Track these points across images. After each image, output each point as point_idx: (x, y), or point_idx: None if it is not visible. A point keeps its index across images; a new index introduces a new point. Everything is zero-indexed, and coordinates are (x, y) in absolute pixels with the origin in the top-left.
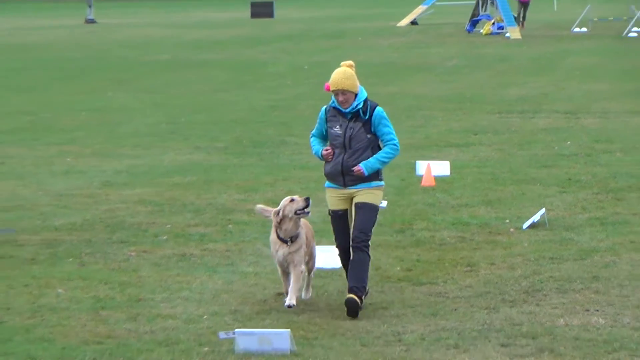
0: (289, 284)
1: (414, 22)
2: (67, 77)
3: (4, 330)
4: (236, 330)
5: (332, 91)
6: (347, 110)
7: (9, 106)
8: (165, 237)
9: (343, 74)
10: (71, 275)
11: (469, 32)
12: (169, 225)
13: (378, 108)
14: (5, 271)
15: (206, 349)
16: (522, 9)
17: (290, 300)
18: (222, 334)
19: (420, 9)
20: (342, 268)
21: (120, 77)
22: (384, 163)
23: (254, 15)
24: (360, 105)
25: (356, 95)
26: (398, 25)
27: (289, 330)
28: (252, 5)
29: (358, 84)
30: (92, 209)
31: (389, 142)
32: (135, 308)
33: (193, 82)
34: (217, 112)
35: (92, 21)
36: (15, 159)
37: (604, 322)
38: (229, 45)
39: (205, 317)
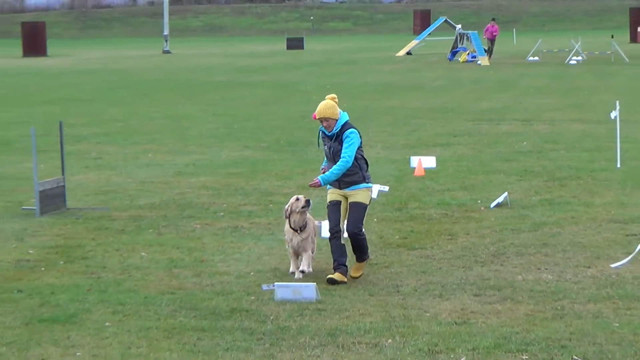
0: (299, 263)
1: (409, 53)
2: (148, 93)
3: (101, 283)
4: (275, 283)
5: (318, 119)
6: (330, 133)
7: (105, 115)
8: (222, 214)
9: (325, 105)
10: (151, 242)
11: (450, 60)
12: (225, 205)
13: (348, 130)
14: (102, 239)
15: (252, 297)
16: (490, 44)
17: (308, 268)
18: (264, 287)
19: (414, 42)
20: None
21: (188, 94)
22: (336, 175)
23: (289, 47)
24: (338, 129)
25: (337, 120)
26: (397, 55)
27: (315, 283)
28: (288, 40)
29: (338, 111)
30: (167, 192)
31: (341, 157)
32: (199, 267)
33: (243, 98)
34: (262, 120)
35: (168, 52)
36: (110, 155)
37: (551, 277)
38: (270, 70)
39: (252, 273)
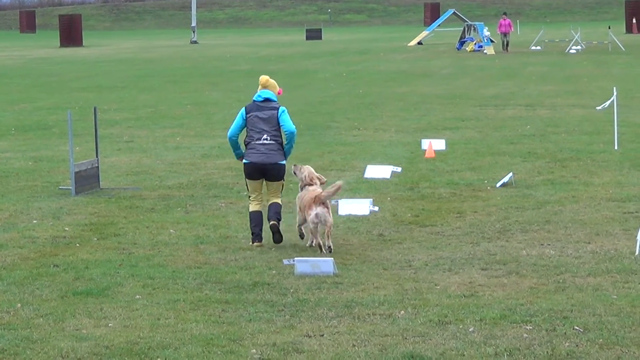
0: (320, 238)
1: (419, 43)
2: (176, 81)
3: (132, 258)
4: (295, 258)
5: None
6: None
7: (136, 101)
8: (245, 193)
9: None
10: (179, 220)
11: (458, 49)
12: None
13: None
14: (133, 217)
15: (274, 271)
16: (504, 37)
17: (331, 244)
18: (285, 261)
19: (424, 33)
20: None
21: (214, 81)
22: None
23: (308, 38)
24: None
25: None
26: (408, 45)
27: (332, 258)
28: (307, 31)
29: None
30: (194, 173)
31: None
32: (224, 243)
33: None
34: (282, 105)
35: (195, 42)
36: (140, 138)
37: (553, 252)
38: (290, 59)
39: (273, 249)
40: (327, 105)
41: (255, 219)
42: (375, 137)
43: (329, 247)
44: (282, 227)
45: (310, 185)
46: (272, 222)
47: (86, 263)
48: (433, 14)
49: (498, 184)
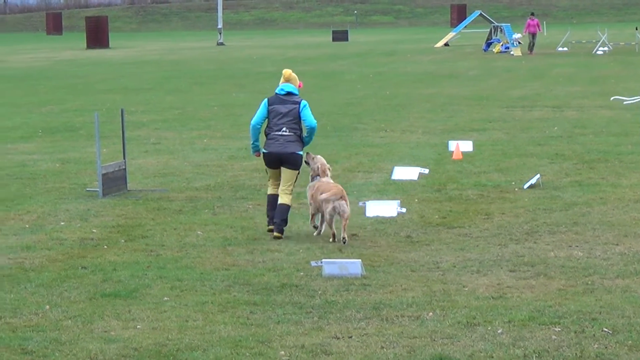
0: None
1: (446, 44)
2: (203, 82)
3: (160, 260)
4: (323, 260)
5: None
6: None
7: (163, 103)
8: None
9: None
10: (207, 221)
11: (484, 51)
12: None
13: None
14: (161, 219)
15: (302, 273)
16: (532, 38)
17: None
18: (313, 263)
19: (451, 34)
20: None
21: (241, 83)
22: None
23: (334, 39)
24: None
25: None
26: (435, 46)
27: (360, 260)
28: (333, 32)
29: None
30: (221, 175)
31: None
32: (252, 244)
33: None
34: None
35: (221, 44)
36: (168, 140)
37: (581, 254)
38: (317, 61)
39: (301, 251)
40: (354, 106)
41: (272, 202)
42: (402, 138)
43: (344, 238)
44: (290, 229)
45: (321, 176)
46: (276, 234)
47: (114, 265)
48: (460, 15)
49: (525, 186)
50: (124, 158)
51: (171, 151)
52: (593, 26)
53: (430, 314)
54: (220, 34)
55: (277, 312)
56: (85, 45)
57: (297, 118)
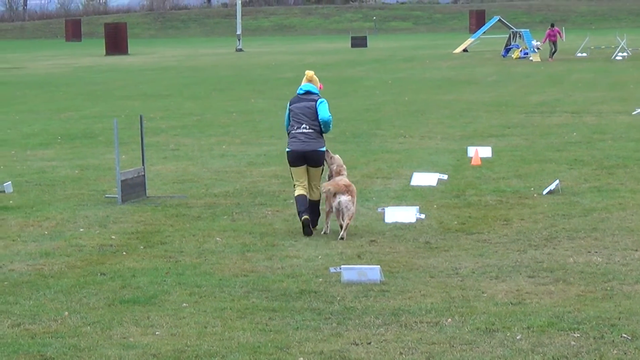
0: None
1: (465, 50)
2: (222, 88)
3: (179, 266)
4: (342, 266)
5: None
6: None
7: (182, 109)
8: (291, 201)
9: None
10: (226, 227)
11: (503, 56)
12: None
13: None
14: (179, 225)
15: (320, 279)
16: (553, 46)
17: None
18: (332, 269)
19: (470, 40)
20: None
21: (259, 89)
22: None
23: (353, 45)
24: None
25: None
26: (454, 52)
27: (379, 266)
28: (352, 38)
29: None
30: (240, 181)
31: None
32: (271, 251)
33: None
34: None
35: (240, 50)
36: (187, 146)
37: (601, 260)
38: (336, 66)
39: (319, 257)
40: (373, 112)
41: (300, 200)
42: (421, 144)
43: (342, 237)
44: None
45: (334, 176)
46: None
47: (133, 271)
48: (478, 21)
49: (544, 191)
50: (143, 164)
51: (190, 157)
52: (612, 32)
53: (449, 320)
54: (239, 40)
55: (296, 319)
56: (104, 51)
57: (316, 114)
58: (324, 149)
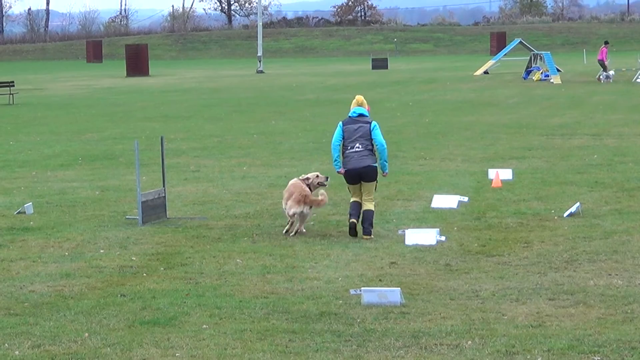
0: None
1: (486, 72)
2: (243, 110)
3: (199, 288)
4: (362, 288)
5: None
6: None
7: (203, 131)
8: (312, 223)
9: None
10: (246, 249)
11: (524, 79)
12: (314, 214)
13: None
14: (199, 246)
15: (341, 301)
16: (602, 65)
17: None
18: (352, 291)
19: (490, 62)
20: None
21: (280, 110)
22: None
23: (374, 67)
24: None
25: None
26: (475, 74)
27: (399, 288)
28: (373, 60)
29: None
30: (261, 203)
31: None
32: (291, 272)
33: (331, 114)
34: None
35: (261, 72)
36: (207, 168)
37: (621, 283)
38: (356, 88)
39: (340, 279)
40: (394, 134)
41: (354, 206)
42: (441, 166)
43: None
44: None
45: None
46: (365, 237)
47: (153, 293)
48: (499, 43)
49: (565, 214)
50: (164, 186)
51: (210, 179)
52: (633, 54)
53: (470, 342)
54: (260, 61)
55: (316, 340)
56: (125, 73)
57: (368, 135)
58: (375, 164)
